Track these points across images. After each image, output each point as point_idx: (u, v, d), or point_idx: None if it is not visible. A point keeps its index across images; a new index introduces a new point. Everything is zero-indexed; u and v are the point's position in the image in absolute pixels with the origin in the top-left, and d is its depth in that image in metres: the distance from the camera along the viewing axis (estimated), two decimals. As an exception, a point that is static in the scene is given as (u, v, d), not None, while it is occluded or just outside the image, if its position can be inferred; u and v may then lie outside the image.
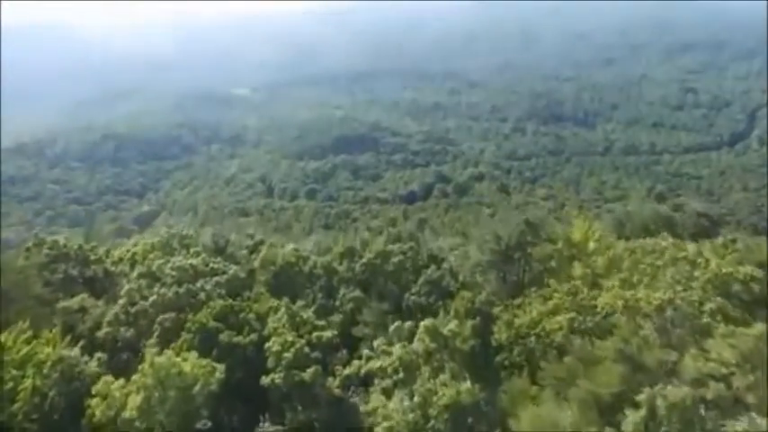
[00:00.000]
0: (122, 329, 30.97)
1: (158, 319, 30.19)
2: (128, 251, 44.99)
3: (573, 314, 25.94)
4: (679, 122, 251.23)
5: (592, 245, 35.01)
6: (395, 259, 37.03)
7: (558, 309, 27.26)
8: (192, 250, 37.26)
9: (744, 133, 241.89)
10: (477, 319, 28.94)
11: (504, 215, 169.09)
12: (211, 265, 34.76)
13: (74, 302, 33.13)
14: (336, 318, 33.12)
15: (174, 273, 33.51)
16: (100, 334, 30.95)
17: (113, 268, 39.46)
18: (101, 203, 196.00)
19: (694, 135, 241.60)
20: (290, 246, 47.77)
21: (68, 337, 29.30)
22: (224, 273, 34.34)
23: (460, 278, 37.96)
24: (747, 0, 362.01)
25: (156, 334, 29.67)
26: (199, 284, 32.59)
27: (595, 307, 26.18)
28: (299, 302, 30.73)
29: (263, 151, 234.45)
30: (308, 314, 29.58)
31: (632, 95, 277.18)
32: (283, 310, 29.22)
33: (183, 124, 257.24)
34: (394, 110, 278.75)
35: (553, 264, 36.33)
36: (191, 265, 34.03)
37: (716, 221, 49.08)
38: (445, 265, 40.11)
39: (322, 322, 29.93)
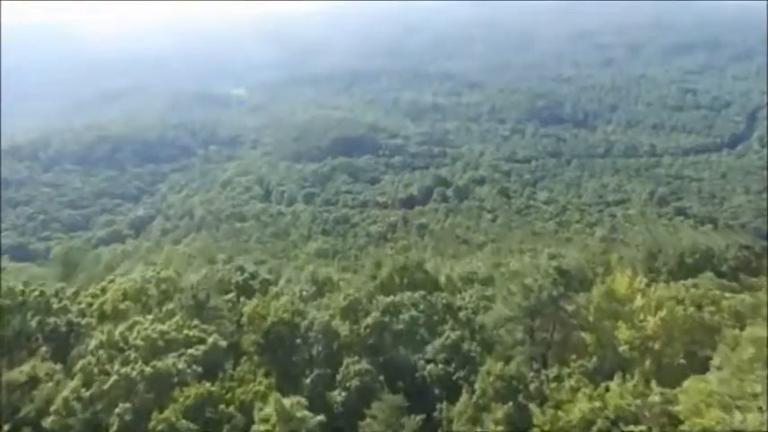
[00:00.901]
0: (75, 417, 24.82)
1: (117, 410, 24.11)
2: (100, 291, 38.88)
3: (644, 428, 19.88)
4: (679, 124, 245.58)
5: (639, 301, 29.08)
6: (405, 315, 30.97)
7: (619, 409, 21.31)
8: (165, 308, 30.94)
9: (744, 135, 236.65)
10: (510, 404, 23.08)
11: (506, 219, 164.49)
12: (186, 331, 28.55)
13: (22, 372, 26.85)
14: (339, 396, 27.15)
15: (140, 343, 27.39)
16: (47, 423, 24.85)
17: (79, 319, 33.30)
18: (96, 207, 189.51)
19: (694, 136, 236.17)
20: (284, 286, 41.62)
21: (9, 425, 23.22)
22: (201, 342, 28.15)
23: (483, 333, 32.05)
24: (744, 0, 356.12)
25: (113, 428, 23.66)
26: (170, 360, 26.38)
27: (676, 420, 20.02)
28: (293, 397, 24.29)
29: (261, 153, 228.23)
30: (303, 413, 23.45)
31: (631, 96, 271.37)
32: (273, 405, 23.17)
33: (180, 125, 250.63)
34: (393, 111, 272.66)
35: (590, 318, 30.43)
36: (161, 333, 27.85)
37: (759, 254, 43.36)
38: (462, 314, 34.17)
39: (320, 417, 23.83)
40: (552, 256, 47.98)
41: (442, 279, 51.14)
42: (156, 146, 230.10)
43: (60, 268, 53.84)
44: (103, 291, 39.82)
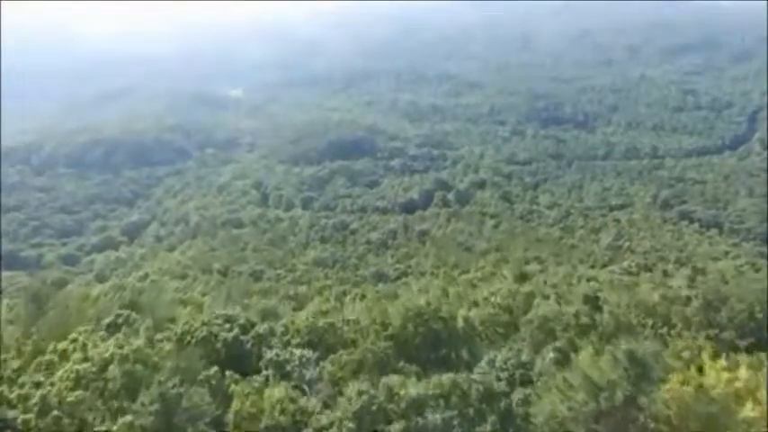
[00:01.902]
0: None
1: None
2: (59, 358, 31.17)
3: None
4: (679, 125, 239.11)
5: (750, 410, 21.52)
6: (436, 416, 23.30)
7: None
8: (121, 421, 22.86)
9: (745, 136, 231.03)
10: None
11: (509, 225, 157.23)
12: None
13: None
14: None
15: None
16: None
17: (16, 413, 25.46)
18: (89, 212, 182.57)
19: (695, 138, 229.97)
20: (280, 346, 34.15)
21: None
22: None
23: (528, 427, 24.71)
24: (741, 0, 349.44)
25: None
26: None
27: None
28: None
29: (258, 156, 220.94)
30: None
31: (631, 97, 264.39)
32: None
33: (177, 127, 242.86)
34: (391, 112, 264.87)
35: (673, 420, 22.99)
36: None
37: None
38: (499, 400, 26.70)
39: None
40: (587, 300, 40.38)
41: (460, 322, 43.37)
42: (151, 148, 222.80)
43: (31, 306, 46.07)
44: (64, 356, 32.05)
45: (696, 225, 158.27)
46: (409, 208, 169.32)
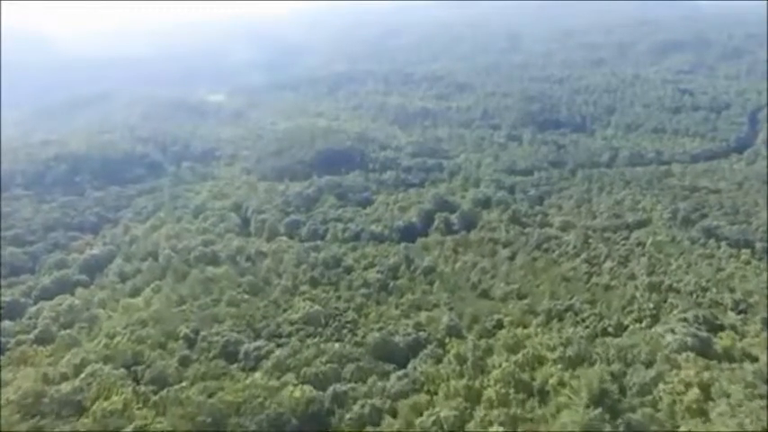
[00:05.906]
0: None
1: None
2: None
3: None
4: (681, 127, 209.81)
5: None
6: None
7: None
8: None
9: (748, 137, 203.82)
10: None
11: (527, 257, 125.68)
12: None
13: None
14: None
15: None
16: None
17: None
18: (46, 243, 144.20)
19: (699, 141, 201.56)
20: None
21: None
22: None
23: None
24: (727, 0, 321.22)
25: None
26: None
27: None
28: None
29: (239, 170, 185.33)
30: None
31: (627, 97, 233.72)
32: None
33: (151, 138, 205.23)
34: (380, 117, 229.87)
35: None
36: None
37: None
38: None
39: None
40: None
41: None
42: (122, 164, 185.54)
43: None
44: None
45: (725, 244, 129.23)
46: (409, 234, 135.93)
